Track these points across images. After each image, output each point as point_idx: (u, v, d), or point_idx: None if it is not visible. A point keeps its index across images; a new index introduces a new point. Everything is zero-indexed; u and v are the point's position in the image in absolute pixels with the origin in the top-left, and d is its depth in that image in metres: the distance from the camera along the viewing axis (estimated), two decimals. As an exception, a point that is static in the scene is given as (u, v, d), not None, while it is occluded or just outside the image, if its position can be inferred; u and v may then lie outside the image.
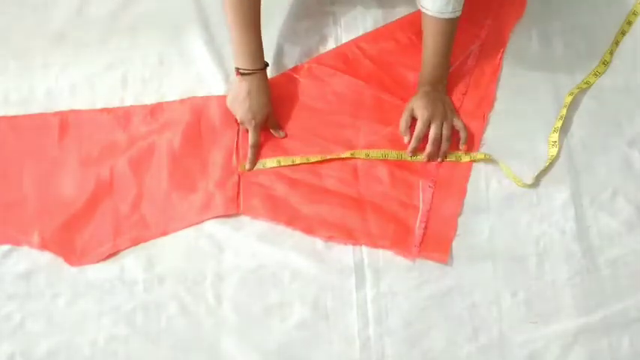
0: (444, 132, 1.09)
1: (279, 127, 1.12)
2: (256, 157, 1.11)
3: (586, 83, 1.14)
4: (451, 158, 1.10)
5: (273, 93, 1.13)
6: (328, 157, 1.10)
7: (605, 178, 1.09)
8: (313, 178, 1.10)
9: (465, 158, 1.10)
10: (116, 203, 1.09)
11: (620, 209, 1.08)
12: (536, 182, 1.09)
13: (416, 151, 1.10)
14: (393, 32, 1.19)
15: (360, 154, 1.10)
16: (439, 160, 1.10)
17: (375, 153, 1.10)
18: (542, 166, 1.09)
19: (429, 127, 1.09)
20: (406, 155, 1.10)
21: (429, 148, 1.09)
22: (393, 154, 1.10)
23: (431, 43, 1.08)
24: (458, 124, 1.11)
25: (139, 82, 1.17)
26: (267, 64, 1.10)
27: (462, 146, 1.10)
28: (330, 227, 1.07)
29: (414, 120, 1.10)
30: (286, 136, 1.12)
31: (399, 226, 1.07)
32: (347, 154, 1.10)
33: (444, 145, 1.10)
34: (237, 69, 1.08)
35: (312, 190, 1.09)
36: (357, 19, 1.20)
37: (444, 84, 1.13)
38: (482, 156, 1.10)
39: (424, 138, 1.09)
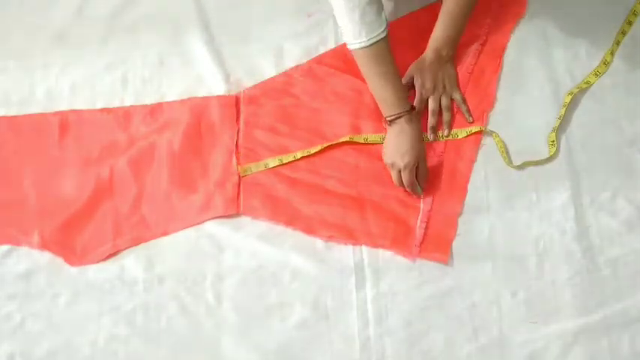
0: (443, 102, 1.12)
1: (426, 177, 1.08)
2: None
3: (586, 83, 1.14)
4: (448, 137, 1.12)
5: (273, 92, 1.13)
6: (326, 144, 1.10)
7: (605, 178, 1.09)
8: (314, 178, 1.10)
9: (462, 134, 1.11)
10: (116, 203, 1.09)
11: (620, 209, 1.08)
12: (528, 172, 1.09)
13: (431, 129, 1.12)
14: (392, 31, 1.19)
15: (359, 138, 1.11)
16: (445, 132, 1.11)
17: (373, 137, 1.11)
18: (536, 158, 1.10)
19: (427, 101, 1.12)
20: None
21: (429, 121, 1.11)
22: None
23: (450, 2, 1.09)
24: (456, 97, 1.12)
25: (139, 82, 1.17)
26: (413, 107, 1.07)
27: (468, 118, 1.12)
28: (330, 227, 1.07)
29: (413, 87, 1.13)
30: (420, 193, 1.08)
31: (400, 226, 1.07)
32: (346, 139, 1.10)
33: (446, 116, 1.12)
34: (386, 119, 1.07)
35: (313, 190, 1.09)
36: (357, 19, 1.20)
37: (452, 52, 1.13)
38: (479, 129, 1.11)
39: (423, 112, 1.12)
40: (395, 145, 1.06)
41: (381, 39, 1.02)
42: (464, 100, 1.13)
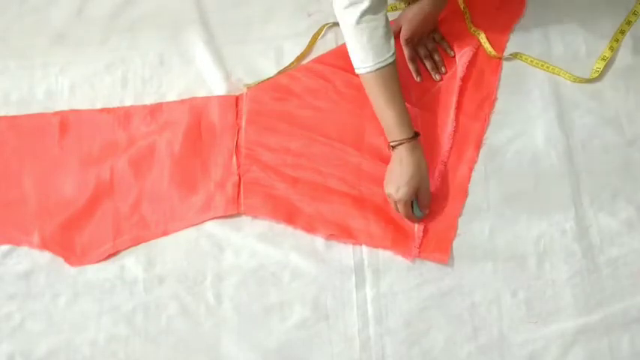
0: (430, 47, 1.17)
1: (427, 205, 1.06)
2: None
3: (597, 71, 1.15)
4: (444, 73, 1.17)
5: (275, 93, 1.13)
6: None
7: (605, 178, 1.09)
8: (315, 177, 1.09)
9: (451, 53, 1.18)
10: (116, 203, 1.09)
11: (620, 209, 1.07)
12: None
13: (420, 71, 1.17)
14: (393, 29, 1.19)
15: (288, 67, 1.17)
16: (443, 69, 1.16)
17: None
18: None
19: (415, 48, 1.17)
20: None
21: (427, 65, 1.17)
22: None
23: None
24: (437, 37, 1.18)
25: (139, 82, 1.17)
26: (417, 134, 1.05)
27: (450, 53, 1.18)
28: (331, 226, 1.07)
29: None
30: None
31: (399, 228, 1.06)
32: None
33: (436, 57, 1.17)
34: (389, 144, 1.06)
35: (314, 188, 1.09)
36: (357, 19, 1.20)
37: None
38: (470, 26, 1.19)
39: (416, 59, 1.17)
40: (393, 175, 1.04)
41: (389, 64, 1.02)
42: (443, 38, 1.18)
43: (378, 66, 1.01)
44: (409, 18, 1.14)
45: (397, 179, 1.03)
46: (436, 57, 1.17)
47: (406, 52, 1.16)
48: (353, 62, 1.04)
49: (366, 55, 1.01)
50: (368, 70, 1.02)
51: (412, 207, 1.05)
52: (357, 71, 1.04)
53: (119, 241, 1.07)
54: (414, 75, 1.16)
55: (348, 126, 1.12)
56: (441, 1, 1.13)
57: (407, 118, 1.04)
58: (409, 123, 1.05)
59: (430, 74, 1.16)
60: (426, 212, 1.07)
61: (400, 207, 1.04)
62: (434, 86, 1.15)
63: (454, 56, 1.17)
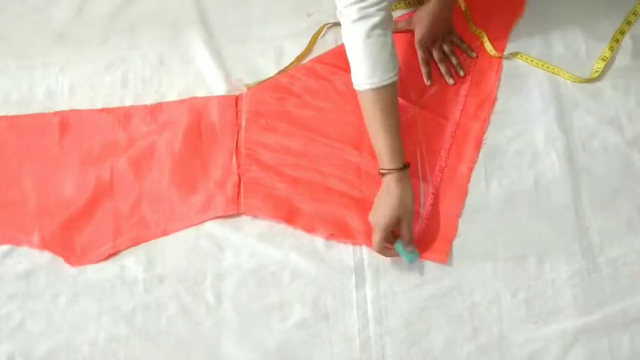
0: (446, 49, 1.15)
1: (409, 241, 1.03)
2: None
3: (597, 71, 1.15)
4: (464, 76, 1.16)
5: (275, 93, 1.13)
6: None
7: (605, 178, 1.09)
8: (315, 177, 1.09)
9: (473, 54, 1.17)
10: (116, 203, 1.09)
11: (620, 209, 1.08)
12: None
13: (430, 75, 1.15)
14: (401, 26, 1.19)
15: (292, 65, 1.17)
16: (461, 73, 1.15)
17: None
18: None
19: (430, 51, 1.16)
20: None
21: (441, 68, 1.15)
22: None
23: None
24: (455, 40, 1.17)
25: (139, 82, 1.17)
26: (407, 165, 1.03)
27: (471, 54, 1.17)
28: (331, 226, 1.07)
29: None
30: None
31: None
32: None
33: (453, 60, 1.16)
34: (379, 171, 1.03)
35: (314, 188, 1.09)
36: (357, 19, 1.20)
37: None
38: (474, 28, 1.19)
39: (430, 61, 1.16)
40: (379, 204, 1.03)
41: (392, 82, 0.99)
42: (462, 40, 1.17)
43: (383, 83, 0.98)
44: (419, 20, 1.14)
45: (382, 209, 1.01)
46: (454, 60, 1.15)
47: (420, 54, 1.15)
48: (355, 78, 1.00)
49: (372, 71, 0.98)
50: (372, 86, 0.99)
51: (395, 244, 1.03)
52: (357, 87, 1.01)
53: (119, 241, 1.07)
54: (425, 78, 1.15)
55: (348, 126, 1.12)
56: (449, 1, 1.13)
57: (399, 147, 1.02)
58: (401, 152, 1.02)
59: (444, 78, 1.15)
60: (412, 251, 1.03)
61: (376, 236, 1.01)
62: (434, 86, 1.15)
63: (476, 57, 1.16)
